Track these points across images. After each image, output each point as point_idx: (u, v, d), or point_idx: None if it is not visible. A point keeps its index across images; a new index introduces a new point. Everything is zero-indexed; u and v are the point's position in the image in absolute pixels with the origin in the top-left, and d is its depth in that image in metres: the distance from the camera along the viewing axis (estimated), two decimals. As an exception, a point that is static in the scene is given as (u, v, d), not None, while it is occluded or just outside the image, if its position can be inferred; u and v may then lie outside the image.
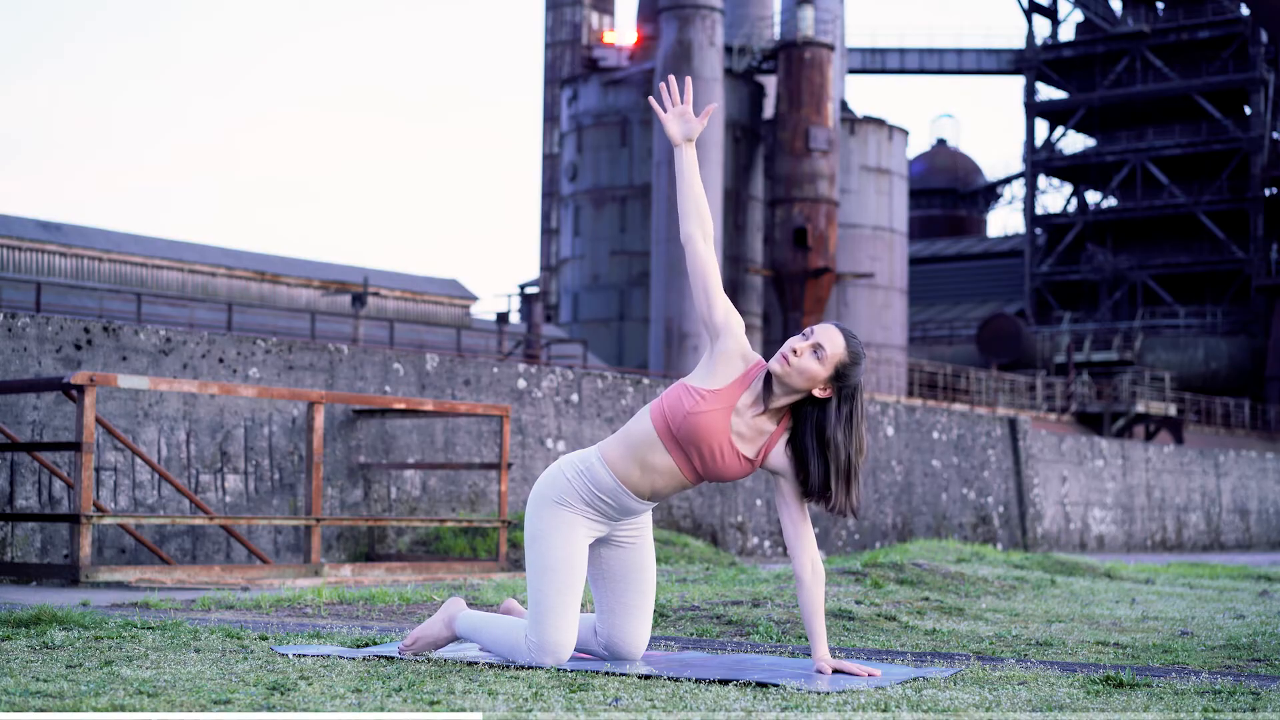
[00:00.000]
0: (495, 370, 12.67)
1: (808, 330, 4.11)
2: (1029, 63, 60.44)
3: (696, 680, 3.90)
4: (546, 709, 3.35)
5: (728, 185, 41.26)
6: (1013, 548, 18.22)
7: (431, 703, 3.42)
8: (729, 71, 41.91)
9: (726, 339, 4.14)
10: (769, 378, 4.08)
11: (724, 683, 3.88)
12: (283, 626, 5.40)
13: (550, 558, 4.17)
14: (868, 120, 44.62)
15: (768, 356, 4.50)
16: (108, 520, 8.66)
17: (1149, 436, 41.00)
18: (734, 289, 41.82)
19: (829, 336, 4.07)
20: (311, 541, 9.50)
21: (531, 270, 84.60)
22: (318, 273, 32.78)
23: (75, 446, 8.31)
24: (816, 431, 4.09)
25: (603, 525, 4.27)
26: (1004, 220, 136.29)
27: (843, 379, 4.08)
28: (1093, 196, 62.10)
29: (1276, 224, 56.62)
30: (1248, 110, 57.17)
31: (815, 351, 4.05)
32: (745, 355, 4.15)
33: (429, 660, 4.30)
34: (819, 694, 3.71)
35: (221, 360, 10.57)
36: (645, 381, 14.26)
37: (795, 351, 4.05)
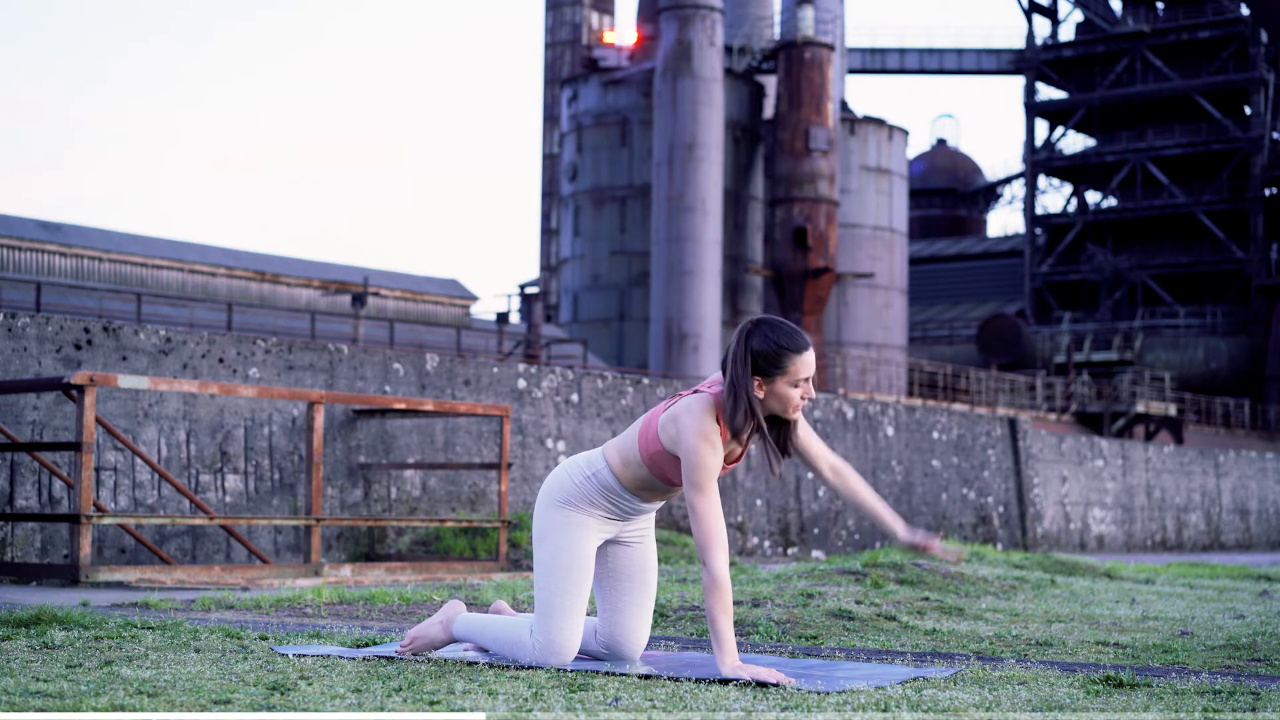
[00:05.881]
0: (495, 370, 12.66)
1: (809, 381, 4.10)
2: (1029, 63, 60.44)
3: (696, 680, 3.90)
4: (546, 709, 3.35)
5: (728, 185, 41.25)
6: (1013, 548, 18.21)
7: (431, 703, 3.42)
8: (729, 71, 41.90)
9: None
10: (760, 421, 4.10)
11: (724, 683, 3.88)
12: (283, 626, 5.40)
13: (559, 558, 4.18)
14: (868, 120, 44.61)
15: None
16: (108, 520, 8.66)
17: (1149, 436, 40.99)
18: (734, 289, 41.80)
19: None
20: (311, 541, 9.50)
21: (531, 270, 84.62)
22: (318, 273, 32.77)
23: (75, 446, 8.31)
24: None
25: (613, 525, 4.28)
26: (1004, 220, 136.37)
27: None
28: (1093, 196, 62.10)
29: (1276, 224, 56.62)
30: (1248, 110, 57.17)
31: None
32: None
33: (429, 660, 4.30)
34: (819, 694, 3.71)
35: (221, 360, 10.57)
36: (645, 381, 14.25)
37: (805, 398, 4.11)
